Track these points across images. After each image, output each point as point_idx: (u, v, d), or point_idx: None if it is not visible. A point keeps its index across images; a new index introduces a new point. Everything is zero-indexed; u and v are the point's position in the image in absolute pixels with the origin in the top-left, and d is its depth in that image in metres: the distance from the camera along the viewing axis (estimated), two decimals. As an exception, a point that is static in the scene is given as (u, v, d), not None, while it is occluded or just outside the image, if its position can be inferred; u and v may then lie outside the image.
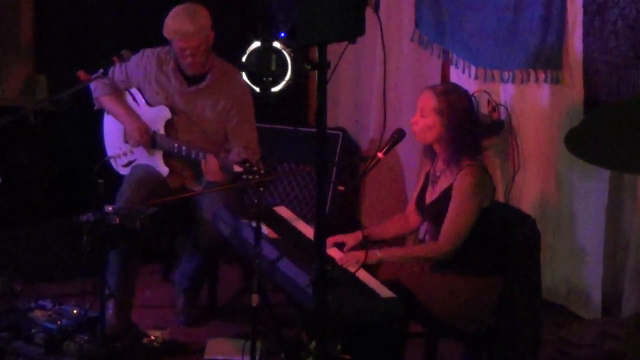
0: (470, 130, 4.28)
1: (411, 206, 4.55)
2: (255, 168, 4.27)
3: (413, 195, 4.57)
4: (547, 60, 5.19)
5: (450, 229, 4.21)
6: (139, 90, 5.24)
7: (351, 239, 4.42)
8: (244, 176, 4.30)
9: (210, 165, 4.93)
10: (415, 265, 4.39)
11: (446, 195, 4.26)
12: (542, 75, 5.24)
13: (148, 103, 5.22)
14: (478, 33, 5.47)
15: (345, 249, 4.39)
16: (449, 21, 5.63)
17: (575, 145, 3.79)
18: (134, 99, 5.25)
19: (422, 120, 4.29)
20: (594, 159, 3.88)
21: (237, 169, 4.42)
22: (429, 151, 4.41)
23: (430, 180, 4.41)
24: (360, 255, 4.21)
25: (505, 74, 5.39)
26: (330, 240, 4.34)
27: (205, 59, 5.07)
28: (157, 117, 5.17)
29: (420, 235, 4.87)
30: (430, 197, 4.38)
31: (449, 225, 4.22)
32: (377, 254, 4.22)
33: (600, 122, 4.04)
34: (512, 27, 5.31)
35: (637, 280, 4.97)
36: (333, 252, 4.33)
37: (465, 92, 4.39)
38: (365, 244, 4.29)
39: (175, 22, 5.00)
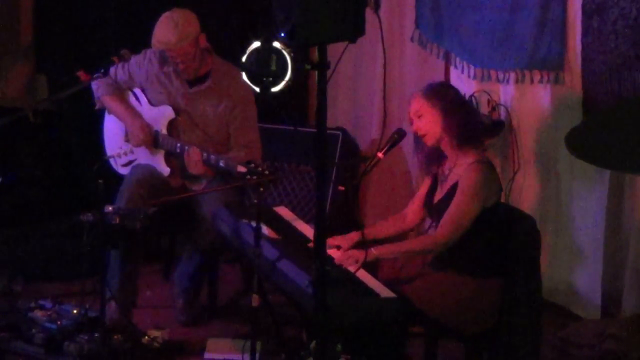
0: (466, 114, 4.32)
1: (411, 206, 4.55)
2: (259, 169, 4.26)
3: (415, 196, 4.56)
4: (544, 61, 5.19)
5: (448, 222, 4.22)
6: (142, 90, 5.24)
7: (347, 240, 4.41)
8: (247, 176, 4.30)
9: (192, 157, 4.94)
10: (415, 265, 4.39)
11: (453, 192, 4.26)
12: (537, 76, 5.25)
13: (150, 103, 5.21)
14: (475, 33, 5.47)
15: (342, 250, 4.38)
16: (447, 21, 5.63)
17: (576, 146, 3.78)
18: (137, 98, 5.24)
19: (420, 121, 4.31)
20: (594, 159, 3.87)
21: (241, 169, 4.41)
22: (434, 155, 4.40)
23: (439, 181, 4.42)
24: (359, 254, 4.22)
25: (501, 74, 5.39)
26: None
27: (200, 61, 5.06)
28: (159, 116, 5.17)
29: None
30: (438, 196, 4.39)
31: (448, 219, 4.22)
32: (373, 252, 4.22)
33: (600, 122, 4.04)
34: (507, 28, 5.31)
35: (637, 281, 4.97)
36: (331, 252, 4.33)
37: (450, 85, 4.47)
38: (364, 244, 4.29)
39: (158, 33, 4.98)
